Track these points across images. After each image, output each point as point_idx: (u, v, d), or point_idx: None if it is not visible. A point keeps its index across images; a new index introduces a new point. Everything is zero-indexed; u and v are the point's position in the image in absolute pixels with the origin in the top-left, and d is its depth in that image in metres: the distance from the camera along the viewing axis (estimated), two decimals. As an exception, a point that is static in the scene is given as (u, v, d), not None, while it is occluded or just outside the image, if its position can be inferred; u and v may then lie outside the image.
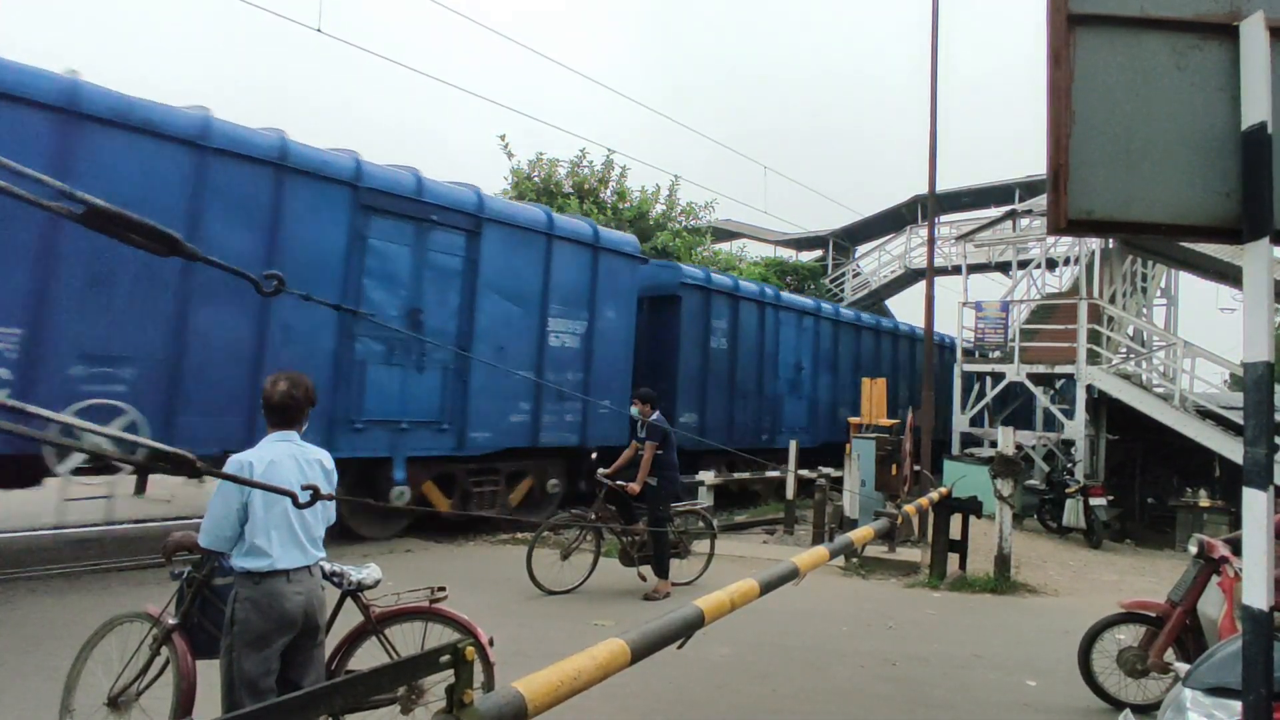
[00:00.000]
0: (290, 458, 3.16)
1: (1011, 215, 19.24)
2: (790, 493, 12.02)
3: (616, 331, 11.81)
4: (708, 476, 12.73)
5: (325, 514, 3.33)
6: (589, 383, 11.29)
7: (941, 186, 15.11)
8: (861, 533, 5.87)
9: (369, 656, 3.65)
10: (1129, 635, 5.01)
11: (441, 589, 3.81)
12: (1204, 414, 13.49)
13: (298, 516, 3.13)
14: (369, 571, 3.69)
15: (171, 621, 3.39)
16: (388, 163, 9.46)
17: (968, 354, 16.58)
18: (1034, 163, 26.27)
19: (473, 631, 3.65)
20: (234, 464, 3.06)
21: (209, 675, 3.35)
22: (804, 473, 13.10)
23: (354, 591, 3.64)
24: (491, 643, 3.68)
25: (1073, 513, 12.25)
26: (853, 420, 13.14)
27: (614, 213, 21.87)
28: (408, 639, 3.72)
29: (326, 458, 3.34)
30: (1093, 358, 14.28)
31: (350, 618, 3.69)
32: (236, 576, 3.10)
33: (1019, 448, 12.15)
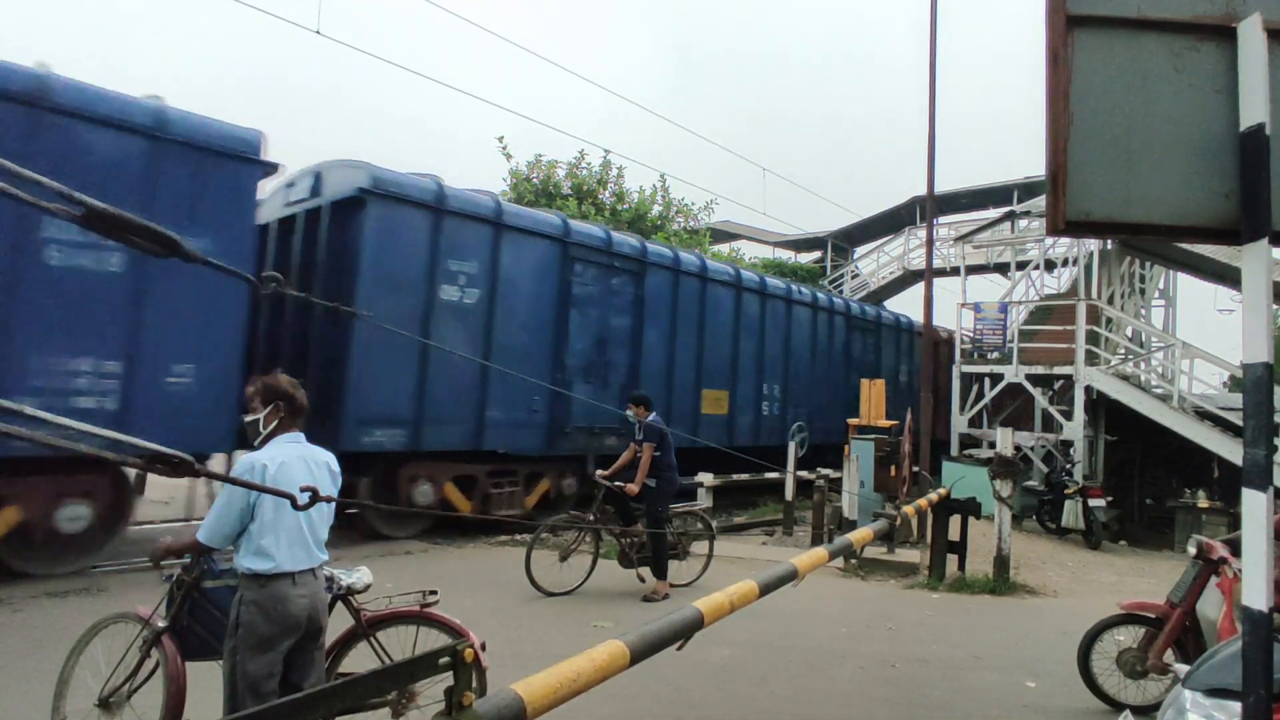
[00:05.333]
0: (299, 459, 3.17)
1: (1010, 216, 19.27)
2: (789, 494, 12.02)
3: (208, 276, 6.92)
4: (706, 478, 12.72)
5: (328, 516, 3.34)
6: (134, 356, 6.98)
7: (940, 188, 15.12)
8: (860, 534, 5.87)
9: (360, 661, 3.64)
10: (1128, 636, 5.01)
11: (433, 592, 3.79)
12: (1202, 415, 13.50)
13: (305, 518, 3.13)
14: (359, 575, 3.69)
15: (161, 624, 3.38)
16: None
17: (966, 355, 16.59)
18: (1032, 164, 26.33)
19: (465, 635, 3.63)
20: (245, 464, 3.07)
21: (204, 677, 3.34)
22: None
23: (344, 595, 3.64)
24: (484, 647, 3.67)
25: (1071, 514, 12.25)
26: (851, 421, 13.13)
27: (613, 214, 21.90)
28: (399, 643, 3.71)
29: (332, 460, 3.36)
30: (1091, 359, 14.29)
31: (341, 622, 3.68)
32: (242, 579, 3.10)
33: (1017, 449, 12.16)
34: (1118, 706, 4.84)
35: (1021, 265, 19.84)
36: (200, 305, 7.36)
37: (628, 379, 11.78)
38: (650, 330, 12.21)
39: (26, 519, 6.61)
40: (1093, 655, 5.02)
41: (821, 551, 4.41)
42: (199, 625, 3.37)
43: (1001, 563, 8.50)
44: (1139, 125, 1.91)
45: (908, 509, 8.17)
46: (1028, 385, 15.12)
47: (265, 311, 9.58)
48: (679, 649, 2.85)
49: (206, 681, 3.30)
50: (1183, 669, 2.99)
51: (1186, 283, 21.77)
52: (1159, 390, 15.58)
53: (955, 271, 20.48)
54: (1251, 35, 1.87)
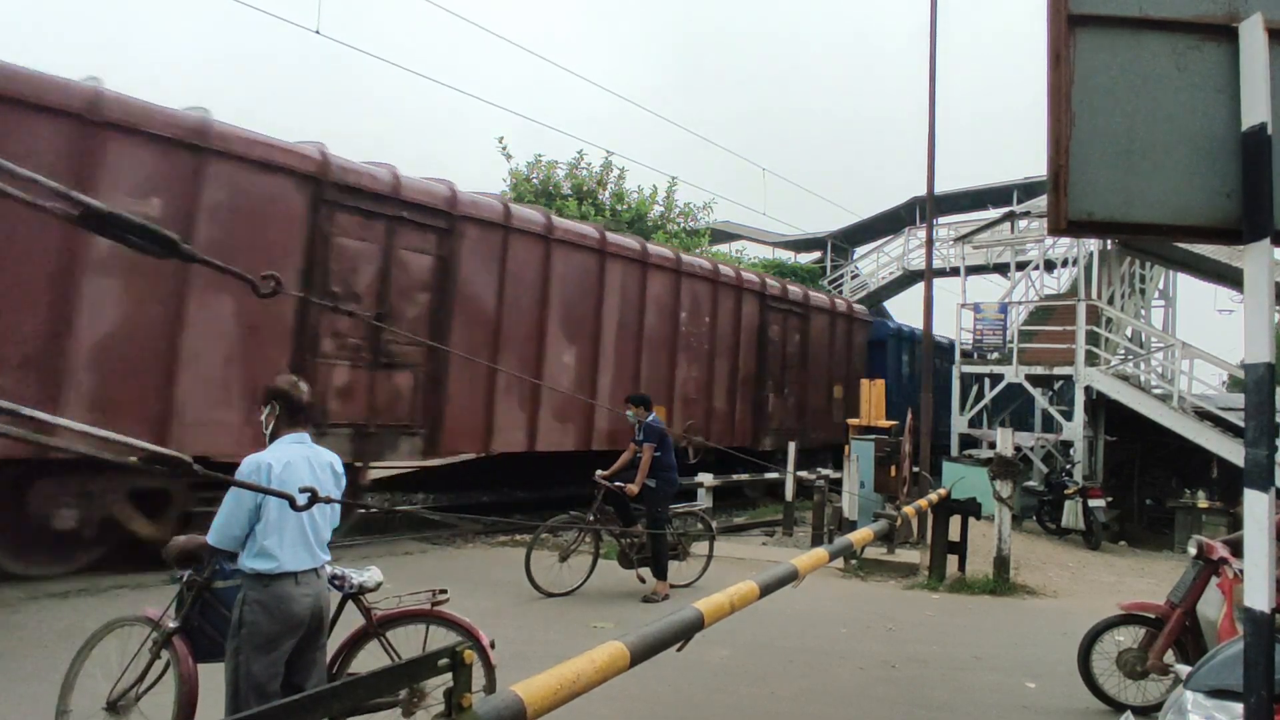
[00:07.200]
0: (304, 460, 3.17)
1: (1010, 217, 19.25)
2: (789, 494, 12.01)
3: None
4: (707, 478, 12.70)
5: (332, 517, 3.33)
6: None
7: (940, 188, 15.12)
8: (861, 534, 5.88)
9: (370, 659, 3.64)
10: (1128, 637, 5.01)
11: (443, 591, 3.81)
12: (1202, 415, 13.49)
13: (308, 519, 3.13)
14: (370, 574, 3.70)
15: (172, 625, 3.37)
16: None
17: (966, 355, 16.59)
18: (1032, 164, 26.36)
19: (474, 634, 3.65)
20: (250, 465, 3.06)
21: (209, 679, 3.34)
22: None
23: (355, 594, 3.65)
24: (493, 645, 3.68)
25: (1071, 514, 12.25)
26: (851, 422, 13.11)
27: (612, 214, 21.90)
28: (409, 642, 3.71)
29: (336, 461, 3.35)
30: (1091, 359, 14.28)
31: (351, 621, 3.69)
32: (245, 579, 3.09)
33: (1017, 449, 12.16)
34: (1118, 707, 4.84)
35: (1021, 266, 19.83)
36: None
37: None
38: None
39: None
40: (1093, 656, 5.02)
41: (822, 552, 4.41)
42: (210, 626, 3.37)
43: (1001, 563, 8.49)
44: (1141, 125, 1.91)
45: (908, 509, 8.16)
46: (1028, 385, 15.11)
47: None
48: (679, 650, 2.85)
49: (215, 684, 3.29)
50: (1184, 670, 2.99)
51: (1186, 283, 21.77)
52: (1159, 390, 15.57)
53: (955, 272, 20.45)
54: (1253, 35, 1.87)
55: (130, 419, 7.01)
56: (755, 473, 13.23)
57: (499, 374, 10.03)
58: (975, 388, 16.65)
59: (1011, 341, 15.63)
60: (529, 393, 10.57)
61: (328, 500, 2.22)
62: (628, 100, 26.67)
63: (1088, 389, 14.14)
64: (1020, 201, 21.51)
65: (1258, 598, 1.84)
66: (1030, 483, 13.68)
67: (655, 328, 12.70)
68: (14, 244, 6.46)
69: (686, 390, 13.11)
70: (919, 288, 16.88)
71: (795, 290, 16.43)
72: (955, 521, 8.88)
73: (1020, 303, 18.43)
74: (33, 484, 6.62)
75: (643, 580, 7.49)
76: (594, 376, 11.62)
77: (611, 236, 12.16)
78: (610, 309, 11.93)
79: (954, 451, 15.71)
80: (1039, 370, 15.00)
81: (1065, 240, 17.85)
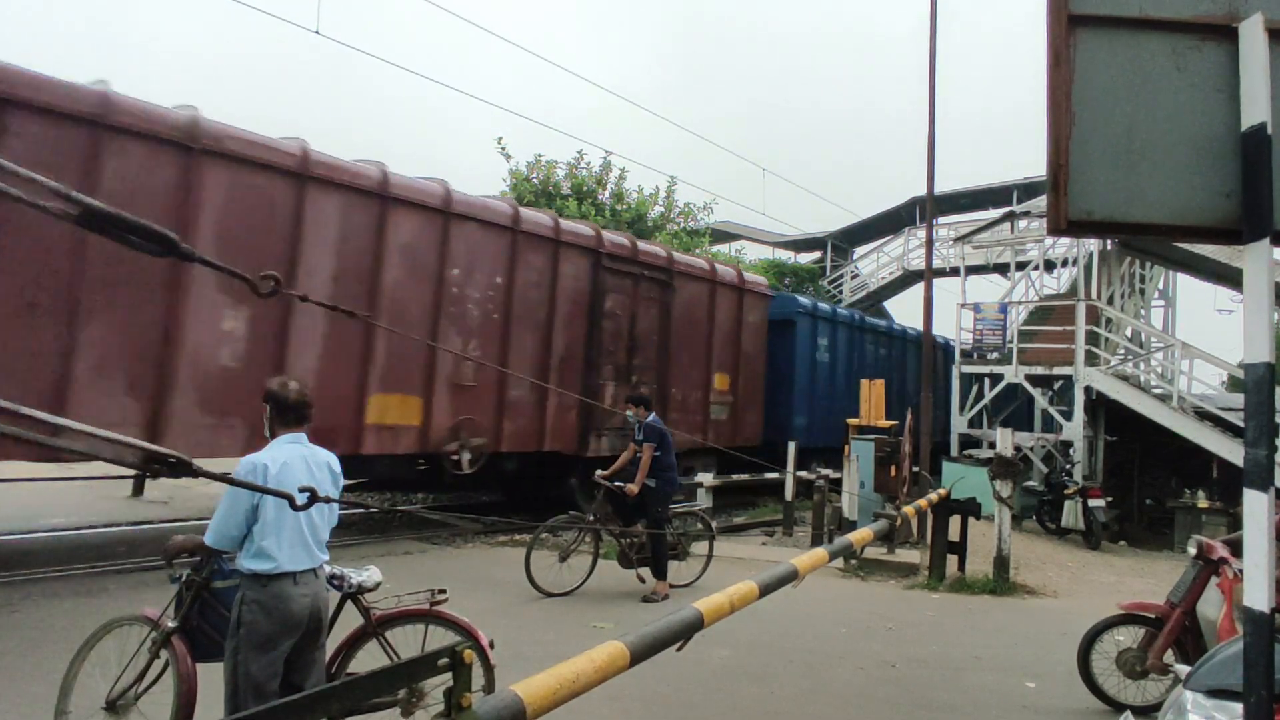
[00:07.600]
0: (301, 459, 3.17)
1: (1010, 217, 19.26)
2: (789, 494, 12.01)
3: None
4: (706, 478, 12.69)
5: (330, 517, 3.33)
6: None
7: (940, 188, 15.11)
8: (860, 534, 5.87)
9: (369, 659, 3.65)
10: (1128, 637, 5.01)
11: (442, 591, 3.81)
12: (1202, 415, 13.51)
13: (306, 519, 3.13)
14: (369, 574, 3.70)
15: (171, 624, 3.38)
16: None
17: (966, 355, 16.60)
18: (1032, 164, 26.37)
19: (473, 634, 3.65)
20: (247, 465, 3.06)
21: (208, 679, 3.34)
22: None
23: (354, 594, 3.65)
24: (492, 645, 3.68)
25: (1071, 514, 12.26)
26: (851, 421, 13.09)
27: (612, 214, 21.89)
28: (408, 642, 3.72)
29: (334, 460, 3.35)
30: (1091, 359, 14.29)
31: (350, 621, 3.69)
32: (243, 579, 3.09)
33: (1017, 449, 12.16)
34: (1118, 707, 4.84)
35: (1021, 266, 19.84)
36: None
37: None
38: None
39: None
40: (1093, 656, 5.02)
41: (821, 552, 4.41)
42: (209, 626, 3.37)
43: (1001, 563, 8.50)
44: (1140, 125, 1.91)
45: (908, 509, 8.16)
46: (1027, 386, 15.11)
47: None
48: (679, 650, 2.84)
49: (214, 684, 3.29)
50: (1183, 670, 2.99)
51: (1186, 283, 21.79)
52: (1158, 390, 15.58)
53: (955, 272, 20.45)
54: (1253, 35, 1.87)
55: None
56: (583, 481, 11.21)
57: (83, 344, 6.51)
58: (975, 388, 16.66)
59: (1011, 341, 15.64)
60: (151, 371, 6.96)
61: (326, 500, 2.22)
62: (627, 100, 26.68)
63: (1087, 389, 14.14)
64: (1020, 201, 21.54)
65: (1258, 598, 1.84)
66: (1030, 483, 13.69)
67: (402, 288, 8.96)
68: None
69: (461, 375, 9.42)
70: (919, 288, 16.89)
71: (652, 250, 12.67)
72: (955, 521, 8.88)
73: (1020, 303, 18.44)
74: None
75: (642, 580, 7.49)
76: (281, 353, 7.86)
77: (319, 157, 8.23)
78: (316, 259, 8.19)
79: (954, 451, 15.71)
80: (1039, 370, 15.01)
81: (1065, 240, 17.87)
